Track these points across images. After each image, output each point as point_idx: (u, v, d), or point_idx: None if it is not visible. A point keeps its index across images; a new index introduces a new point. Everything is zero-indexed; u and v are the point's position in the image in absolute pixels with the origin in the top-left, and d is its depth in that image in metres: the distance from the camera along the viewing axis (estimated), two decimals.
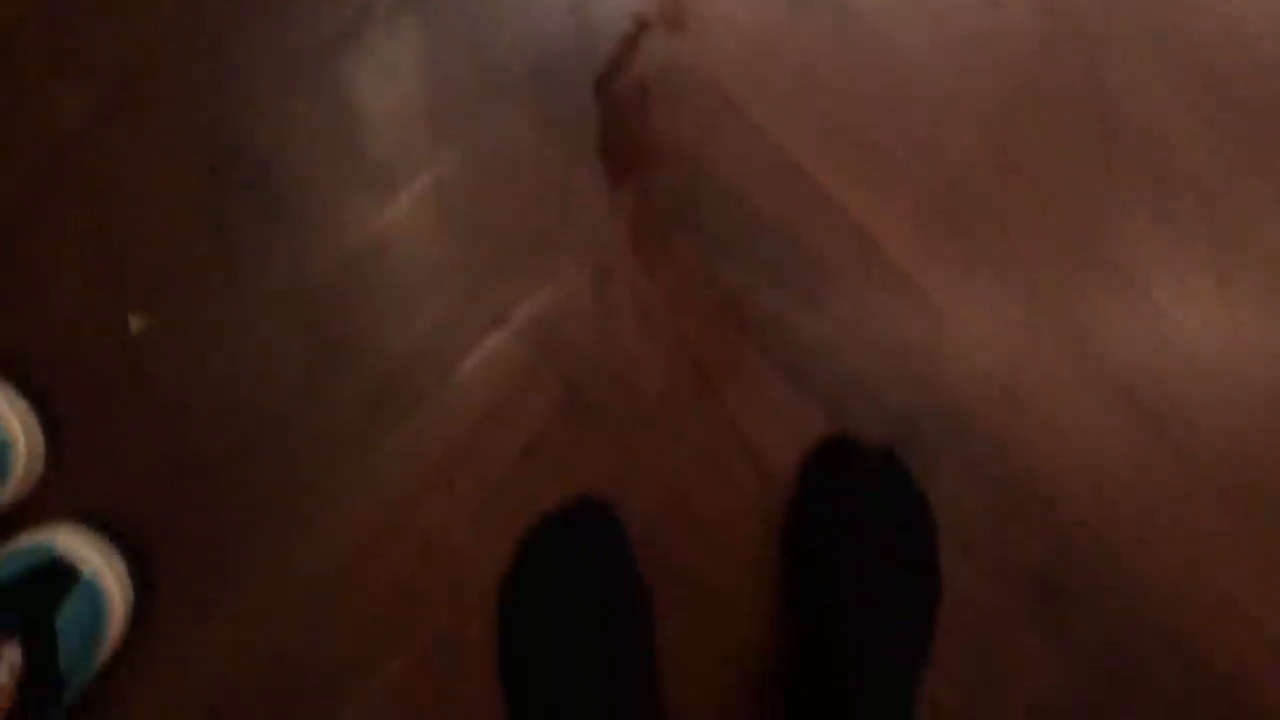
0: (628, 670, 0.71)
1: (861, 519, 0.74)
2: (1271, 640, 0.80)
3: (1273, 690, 0.79)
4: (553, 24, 0.78)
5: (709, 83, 0.77)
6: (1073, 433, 0.79)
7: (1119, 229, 0.80)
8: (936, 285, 0.78)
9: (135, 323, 0.73)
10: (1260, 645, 0.80)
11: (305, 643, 0.73)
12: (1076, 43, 0.80)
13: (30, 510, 0.72)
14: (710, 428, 0.77)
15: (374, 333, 0.75)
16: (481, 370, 0.76)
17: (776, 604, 0.76)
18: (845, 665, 0.69)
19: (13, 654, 0.64)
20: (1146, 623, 0.79)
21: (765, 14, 0.78)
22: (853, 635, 0.70)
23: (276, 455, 0.74)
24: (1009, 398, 0.78)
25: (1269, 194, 0.81)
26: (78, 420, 0.73)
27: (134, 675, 0.72)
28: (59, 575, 0.68)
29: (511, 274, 0.76)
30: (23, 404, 0.71)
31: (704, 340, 0.77)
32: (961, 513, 0.78)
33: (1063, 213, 0.79)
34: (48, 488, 0.72)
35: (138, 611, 0.71)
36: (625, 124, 0.77)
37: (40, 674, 0.65)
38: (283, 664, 0.73)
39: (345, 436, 0.74)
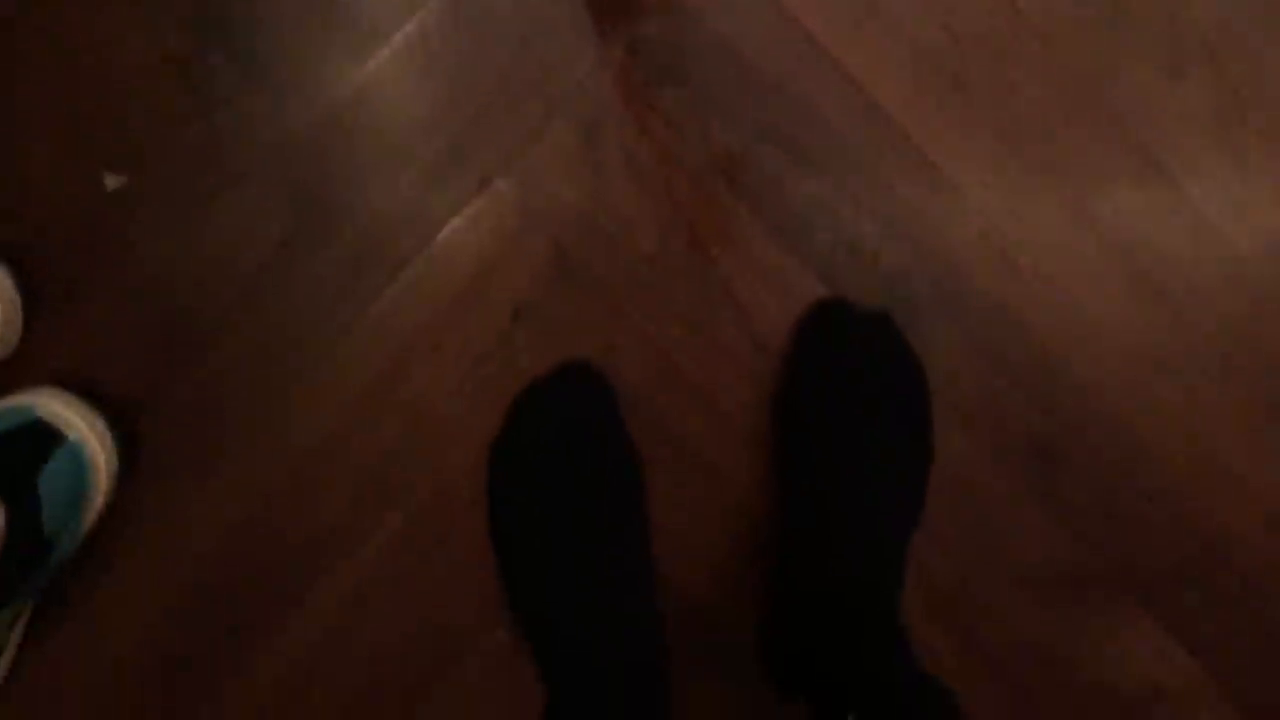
0: (619, 534, 0.71)
1: (855, 384, 0.73)
2: (1270, 509, 0.79)
3: (1271, 558, 0.79)
4: None
5: None
6: (1071, 297, 0.77)
7: (1125, 88, 0.77)
8: (935, 144, 0.76)
9: (110, 181, 0.71)
10: (1259, 514, 0.79)
11: (293, 507, 0.73)
12: None
13: (9, 377, 0.70)
14: (702, 292, 0.75)
15: (357, 192, 0.73)
16: (467, 232, 0.74)
17: (769, 469, 0.75)
18: (837, 529, 0.69)
19: None
20: (1144, 490, 0.78)
21: None
22: (844, 499, 0.70)
23: (259, 318, 0.72)
24: (1006, 261, 0.77)
25: None
26: (55, 283, 0.71)
27: (121, 539, 0.71)
28: (41, 437, 0.67)
29: (497, 131, 0.74)
30: None
31: (696, 201, 0.75)
32: (957, 379, 0.77)
33: (1067, 70, 0.77)
34: (26, 353, 0.71)
35: (123, 476, 0.71)
36: None
37: (23, 535, 0.65)
38: (271, 528, 0.72)
39: (329, 300, 0.73)
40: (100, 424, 0.69)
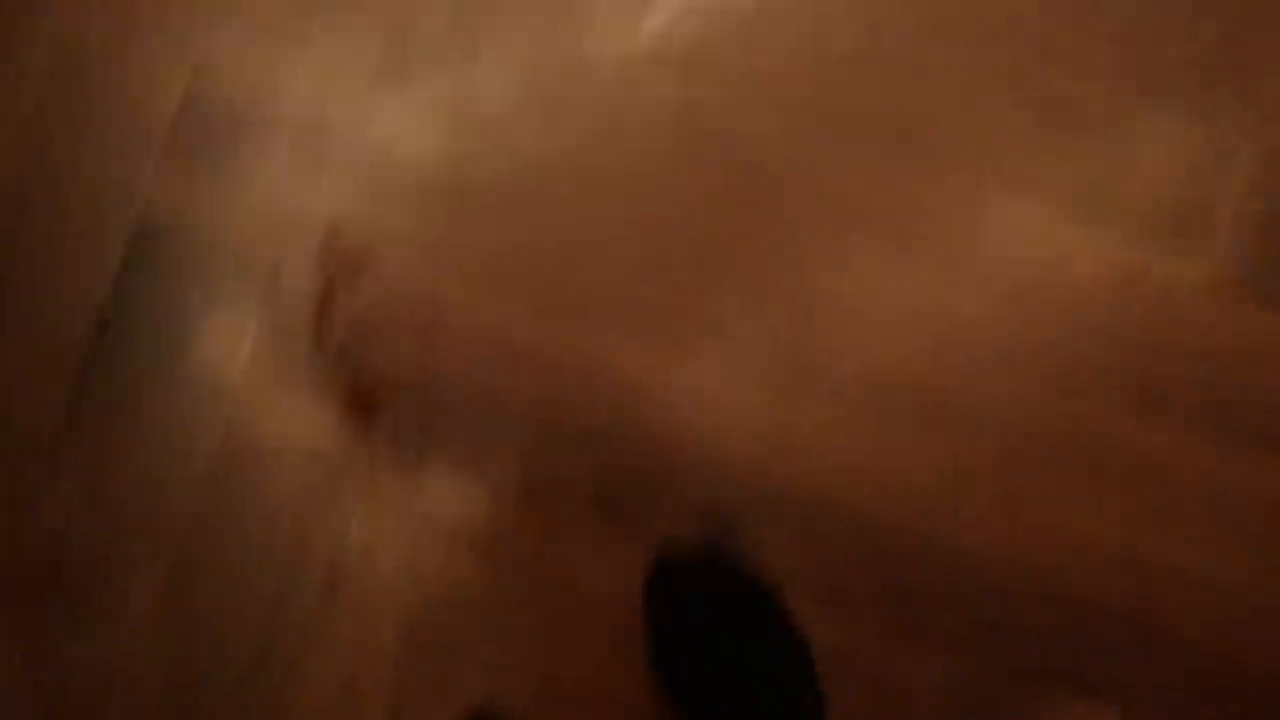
0: None
1: (709, 623, 0.77)
2: (1118, 549, 0.82)
3: (1115, 596, 0.82)
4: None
5: (411, 303, 0.82)
6: (858, 455, 0.82)
7: (802, 257, 0.84)
8: (669, 380, 0.82)
9: None
10: (1113, 558, 0.82)
11: None
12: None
13: None
14: (548, 596, 0.80)
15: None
16: (322, 655, 0.79)
17: None
18: None
19: None
20: (997, 591, 0.81)
21: (428, 223, 0.84)
22: None
23: None
24: (783, 450, 0.81)
25: None
26: None
27: None
28: None
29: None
30: None
31: (504, 533, 0.81)
32: (796, 568, 0.81)
33: (760, 253, 0.84)
34: None
35: None
36: (353, 373, 0.82)
37: None
38: None
39: None
40: None
